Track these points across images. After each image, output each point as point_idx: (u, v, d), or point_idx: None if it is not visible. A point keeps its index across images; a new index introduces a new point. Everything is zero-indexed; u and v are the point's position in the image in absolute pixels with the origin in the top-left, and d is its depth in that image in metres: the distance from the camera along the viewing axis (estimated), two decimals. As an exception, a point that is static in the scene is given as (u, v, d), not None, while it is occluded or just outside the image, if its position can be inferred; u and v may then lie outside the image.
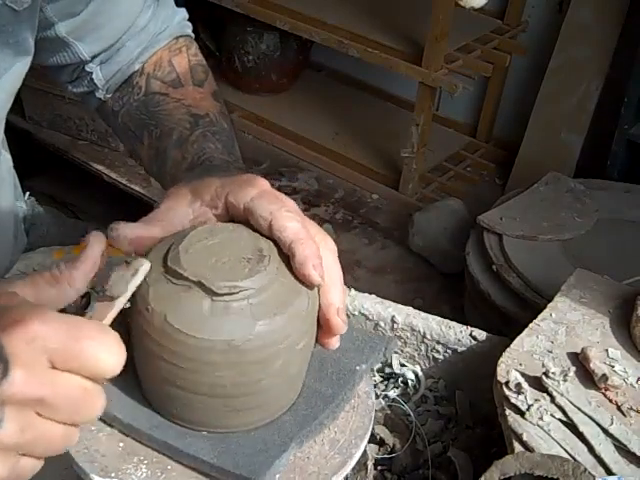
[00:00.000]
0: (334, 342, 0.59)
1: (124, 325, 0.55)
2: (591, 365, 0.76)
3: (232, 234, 0.56)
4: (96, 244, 0.52)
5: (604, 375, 0.74)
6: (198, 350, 0.52)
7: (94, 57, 0.84)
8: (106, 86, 0.85)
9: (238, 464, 0.55)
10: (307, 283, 0.55)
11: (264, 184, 0.60)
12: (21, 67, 0.76)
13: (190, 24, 0.93)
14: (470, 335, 0.85)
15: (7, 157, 0.87)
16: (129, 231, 0.58)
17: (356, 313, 0.88)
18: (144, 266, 0.52)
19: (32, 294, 0.49)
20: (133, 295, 0.52)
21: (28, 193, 1.06)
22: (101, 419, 0.56)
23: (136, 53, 0.84)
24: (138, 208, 1.72)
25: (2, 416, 0.43)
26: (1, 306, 0.46)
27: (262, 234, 0.57)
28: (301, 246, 0.54)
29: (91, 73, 0.84)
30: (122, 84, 0.85)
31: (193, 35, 0.92)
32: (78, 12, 0.78)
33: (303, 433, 0.58)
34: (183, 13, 0.91)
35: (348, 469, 0.59)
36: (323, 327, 0.58)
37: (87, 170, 2.28)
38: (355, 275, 2.14)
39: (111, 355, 0.45)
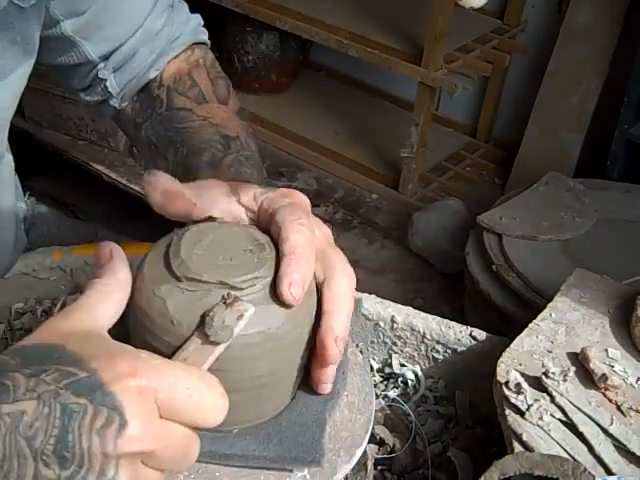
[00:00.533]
0: (325, 379, 0.57)
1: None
2: (591, 365, 0.76)
3: (222, 230, 0.56)
4: (120, 252, 0.53)
5: (604, 375, 0.74)
6: (239, 348, 0.51)
7: (104, 59, 0.82)
8: (121, 94, 0.84)
9: (290, 450, 0.54)
10: (280, 300, 0.53)
11: (301, 199, 0.60)
12: (27, 67, 0.76)
13: (205, 30, 0.91)
14: (470, 335, 0.85)
15: (9, 158, 0.87)
16: (165, 181, 0.57)
17: (356, 313, 0.88)
18: (250, 311, 0.50)
19: (99, 308, 0.49)
20: (145, 314, 0.52)
21: (28, 193, 1.06)
22: None
23: (150, 60, 0.83)
24: (138, 208, 1.72)
25: (117, 470, 0.41)
26: (102, 350, 0.44)
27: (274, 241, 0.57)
28: (289, 260, 0.53)
29: (105, 80, 0.83)
30: (140, 94, 0.84)
31: (209, 42, 0.90)
32: (83, 10, 0.78)
33: (329, 404, 0.58)
34: (198, 19, 0.89)
35: (349, 468, 0.59)
36: (316, 354, 0.56)
37: (87, 170, 2.29)
38: (355, 275, 2.13)
39: (216, 407, 0.45)
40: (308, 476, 0.56)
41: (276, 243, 0.56)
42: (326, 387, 0.58)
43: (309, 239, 0.55)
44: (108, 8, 0.79)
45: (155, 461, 0.43)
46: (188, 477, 0.54)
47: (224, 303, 0.50)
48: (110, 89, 0.84)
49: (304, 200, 0.60)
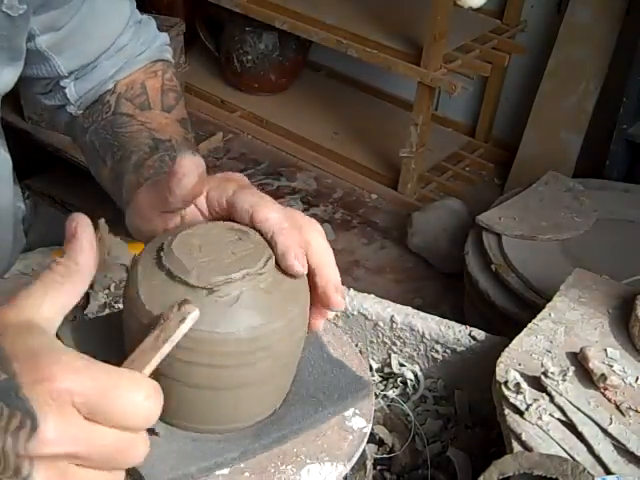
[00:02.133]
0: (322, 322, 0.59)
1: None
2: (590, 365, 0.76)
3: (214, 230, 0.56)
4: (86, 229, 0.50)
5: (603, 375, 0.74)
6: (238, 343, 0.52)
7: (71, 73, 0.83)
8: (78, 102, 0.85)
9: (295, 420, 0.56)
10: (290, 273, 0.54)
11: (243, 179, 0.61)
12: (12, 71, 0.76)
13: (170, 49, 0.91)
14: (469, 335, 0.85)
15: (7, 157, 0.87)
16: (200, 162, 0.56)
17: (355, 313, 0.88)
18: (193, 314, 0.49)
19: (45, 297, 0.48)
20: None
21: (27, 193, 1.06)
22: None
23: (111, 72, 0.84)
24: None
25: (31, 471, 0.42)
26: (28, 350, 0.44)
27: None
28: (282, 236, 0.54)
29: (64, 88, 0.84)
30: (94, 102, 0.85)
31: (172, 60, 0.91)
32: (60, 27, 0.78)
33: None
34: (165, 38, 0.90)
35: (348, 469, 0.59)
36: (320, 305, 0.57)
37: (86, 170, 2.28)
38: (354, 275, 2.14)
39: (140, 409, 0.44)
40: (320, 469, 0.56)
41: (248, 227, 0.56)
42: (320, 323, 0.60)
43: (283, 212, 0.56)
44: (83, 26, 0.80)
45: (87, 462, 0.43)
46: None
47: (178, 304, 0.51)
48: (69, 96, 0.84)
49: (246, 180, 0.61)
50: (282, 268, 0.54)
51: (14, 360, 0.43)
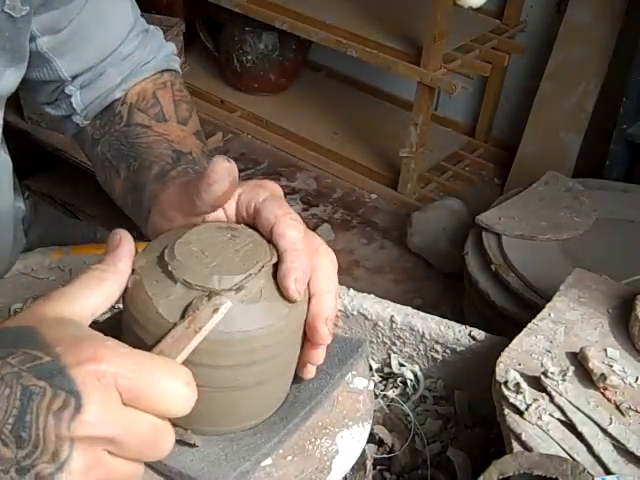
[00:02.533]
0: (315, 360, 0.58)
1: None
2: (590, 365, 0.76)
3: (217, 232, 0.56)
4: (128, 242, 0.52)
5: (603, 375, 0.74)
6: (239, 343, 0.52)
7: (74, 78, 0.82)
8: (84, 112, 0.84)
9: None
10: (285, 295, 0.53)
11: (276, 188, 0.60)
12: (15, 73, 0.76)
13: (178, 59, 0.91)
14: (469, 335, 0.85)
15: (7, 159, 0.87)
16: (232, 168, 0.56)
17: (355, 313, 0.88)
18: (226, 305, 0.50)
19: (79, 297, 0.49)
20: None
21: (27, 193, 1.06)
22: None
23: (118, 80, 0.83)
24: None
25: (71, 452, 0.42)
26: (70, 336, 0.45)
27: (263, 236, 0.56)
28: (291, 256, 0.54)
29: (70, 97, 0.83)
30: (103, 111, 0.84)
31: (180, 71, 0.91)
32: (60, 29, 0.78)
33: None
34: (172, 48, 0.90)
35: (347, 469, 0.59)
36: (308, 335, 0.57)
37: (86, 170, 2.28)
38: (354, 275, 2.14)
39: (180, 396, 0.45)
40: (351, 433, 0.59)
41: (266, 237, 0.56)
42: (312, 370, 0.59)
43: (303, 233, 0.56)
44: (85, 29, 0.80)
45: (119, 449, 0.44)
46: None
47: (206, 296, 0.51)
48: (75, 105, 0.84)
49: (279, 189, 0.61)
50: (280, 287, 0.54)
51: (57, 344, 0.44)
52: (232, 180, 0.55)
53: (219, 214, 0.59)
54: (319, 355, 0.58)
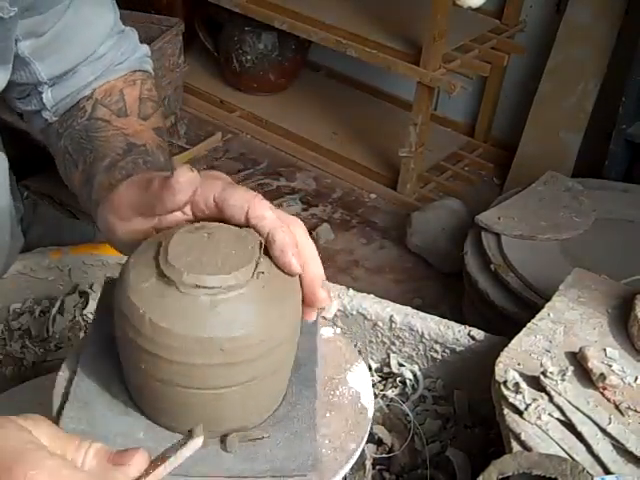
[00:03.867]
0: (314, 314, 0.60)
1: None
2: (589, 364, 0.76)
3: (186, 237, 0.56)
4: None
5: (602, 374, 0.74)
6: (238, 342, 0.52)
7: (50, 79, 0.83)
8: (54, 108, 0.84)
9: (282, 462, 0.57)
10: (287, 271, 0.55)
11: (226, 177, 0.61)
12: (3, 73, 0.76)
13: (151, 62, 0.91)
14: (468, 335, 0.85)
15: (3, 157, 0.87)
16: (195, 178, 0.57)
17: (354, 313, 0.88)
18: (195, 440, 0.52)
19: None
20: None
21: (26, 193, 1.05)
22: None
23: (90, 79, 0.83)
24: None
25: None
26: (9, 449, 0.43)
27: (232, 224, 0.57)
28: (281, 234, 0.55)
29: (42, 93, 0.83)
30: (71, 108, 0.84)
31: (152, 73, 0.91)
32: (42, 33, 0.78)
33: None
34: (146, 50, 0.90)
35: (346, 469, 0.59)
36: (307, 302, 0.58)
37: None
38: (353, 275, 2.14)
39: None
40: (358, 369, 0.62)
41: (238, 224, 0.56)
42: (314, 314, 0.60)
43: (275, 211, 0.57)
44: (67, 32, 0.80)
45: None
46: None
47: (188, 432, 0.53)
48: (45, 101, 0.84)
49: (226, 176, 0.61)
50: (279, 265, 0.55)
51: None
52: (195, 190, 0.56)
53: (176, 213, 0.59)
54: (313, 314, 0.60)
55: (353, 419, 0.61)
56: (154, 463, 0.50)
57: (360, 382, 0.64)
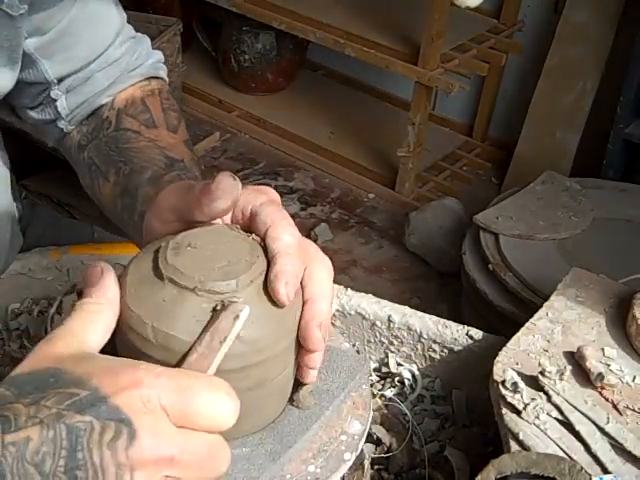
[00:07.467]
0: (312, 364, 0.57)
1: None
2: (587, 364, 0.76)
3: (211, 234, 0.56)
4: (110, 271, 0.52)
5: (600, 374, 0.74)
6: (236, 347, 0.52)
7: (60, 80, 0.82)
8: (70, 116, 0.83)
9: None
10: (274, 298, 0.53)
11: (275, 196, 0.60)
12: (11, 72, 0.75)
13: (165, 67, 0.91)
14: (466, 334, 0.85)
15: (4, 156, 0.87)
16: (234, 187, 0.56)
17: (352, 313, 0.88)
18: (245, 310, 0.50)
19: (86, 330, 0.48)
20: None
21: (25, 193, 1.05)
22: None
23: (105, 85, 0.82)
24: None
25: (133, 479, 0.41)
26: (101, 367, 0.44)
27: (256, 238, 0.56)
28: (284, 260, 0.53)
29: (56, 101, 0.82)
30: (89, 117, 0.84)
31: (167, 79, 0.90)
32: (47, 30, 0.78)
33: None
34: (159, 56, 0.89)
35: (345, 469, 0.59)
36: (300, 340, 0.56)
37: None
38: (351, 274, 2.14)
39: (224, 409, 0.44)
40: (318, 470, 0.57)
41: (260, 241, 0.56)
42: (312, 374, 0.58)
43: (297, 239, 0.56)
44: (72, 30, 0.79)
45: (179, 470, 0.43)
46: None
47: (222, 304, 0.50)
48: (60, 109, 0.83)
49: (277, 196, 0.60)
50: (269, 290, 0.53)
51: (91, 377, 0.43)
52: (235, 197, 0.55)
53: (217, 221, 0.59)
54: (314, 360, 0.57)
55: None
56: (210, 344, 0.48)
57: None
